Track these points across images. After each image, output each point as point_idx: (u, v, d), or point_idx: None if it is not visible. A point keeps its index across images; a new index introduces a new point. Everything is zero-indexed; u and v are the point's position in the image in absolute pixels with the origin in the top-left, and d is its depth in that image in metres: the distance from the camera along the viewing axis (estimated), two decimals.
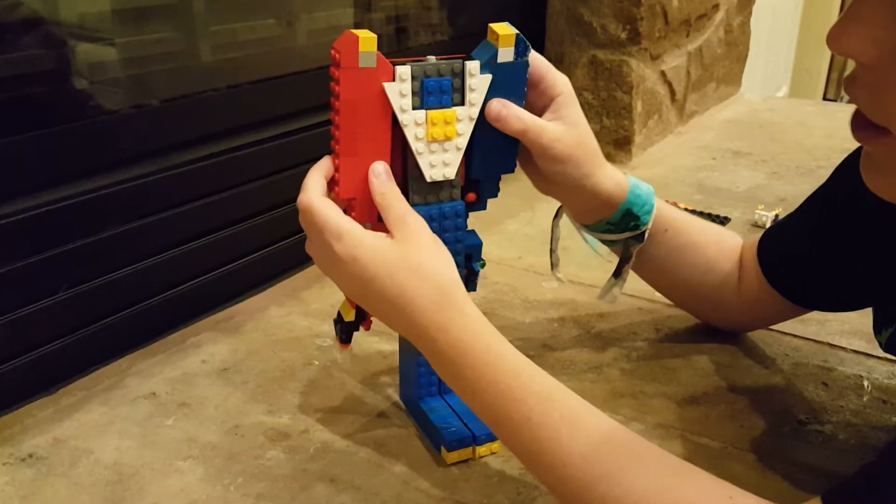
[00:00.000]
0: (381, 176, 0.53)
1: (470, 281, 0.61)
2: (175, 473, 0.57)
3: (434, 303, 0.50)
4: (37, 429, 0.62)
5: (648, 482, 0.43)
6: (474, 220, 0.60)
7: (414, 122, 0.54)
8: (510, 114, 0.56)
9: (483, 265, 0.61)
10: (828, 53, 3.01)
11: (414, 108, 0.53)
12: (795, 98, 2.63)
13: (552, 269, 0.71)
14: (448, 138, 0.55)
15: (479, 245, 0.60)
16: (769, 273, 0.67)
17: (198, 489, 0.55)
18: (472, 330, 0.50)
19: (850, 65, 0.42)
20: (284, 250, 0.86)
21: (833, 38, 0.38)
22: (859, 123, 0.40)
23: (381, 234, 0.52)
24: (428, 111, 0.54)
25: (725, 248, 0.70)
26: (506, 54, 0.55)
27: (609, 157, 1.25)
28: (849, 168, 0.62)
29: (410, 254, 0.50)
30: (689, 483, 0.44)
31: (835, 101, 2.99)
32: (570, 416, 0.47)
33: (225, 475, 0.57)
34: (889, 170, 0.41)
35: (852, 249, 0.61)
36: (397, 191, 0.53)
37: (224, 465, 0.58)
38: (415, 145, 0.54)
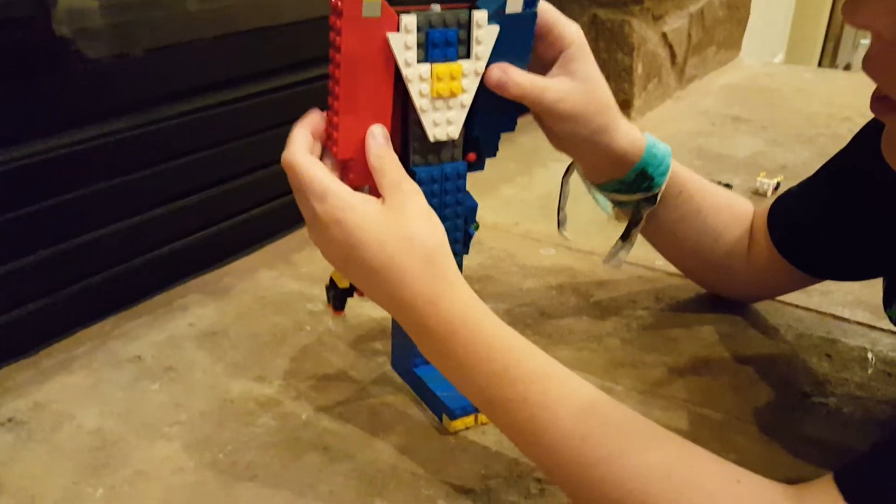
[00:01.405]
0: (378, 138, 0.50)
1: (464, 244, 0.59)
2: (161, 440, 0.55)
3: (423, 275, 0.46)
4: (16, 392, 0.59)
5: (651, 464, 0.41)
6: (469, 184, 0.57)
7: (419, 77, 0.51)
8: (510, 80, 0.53)
9: (477, 228, 0.59)
10: (824, 21, 2.97)
11: (419, 62, 0.50)
12: (792, 64, 2.60)
13: (559, 227, 0.69)
14: (453, 94, 0.52)
15: (475, 207, 0.58)
16: (779, 241, 0.65)
17: (185, 457, 0.53)
18: (462, 304, 0.47)
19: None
20: (275, 211, 0.83)
21: (849, 10, 0.36)
22: (878, 99, 0.39)
23: (371, 198, 0.48)
24: (433, 65, 0.51)
25: (737, 213, 0.68)
26: (514, 4, 0.52)
27: None
28: (865, 138, 0.60)
29: (401, 221, 0.47)
30: (693, 465, 0.42)
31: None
32: (568, 396, 0.44)
33: (213, 443, 0.55)
34: None
35: (866, 220, 0.59)
36: (394, 155, 0.50)
37: (212, 432, 0.56)
38: (419, 102, 0.51)
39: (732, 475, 0.41)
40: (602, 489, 0.42)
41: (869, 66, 0.38)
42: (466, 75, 0.52)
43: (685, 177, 0.66)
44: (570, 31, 0.56)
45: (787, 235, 0.65)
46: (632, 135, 0.61)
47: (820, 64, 3.06)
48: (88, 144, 0.66)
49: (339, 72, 0.49)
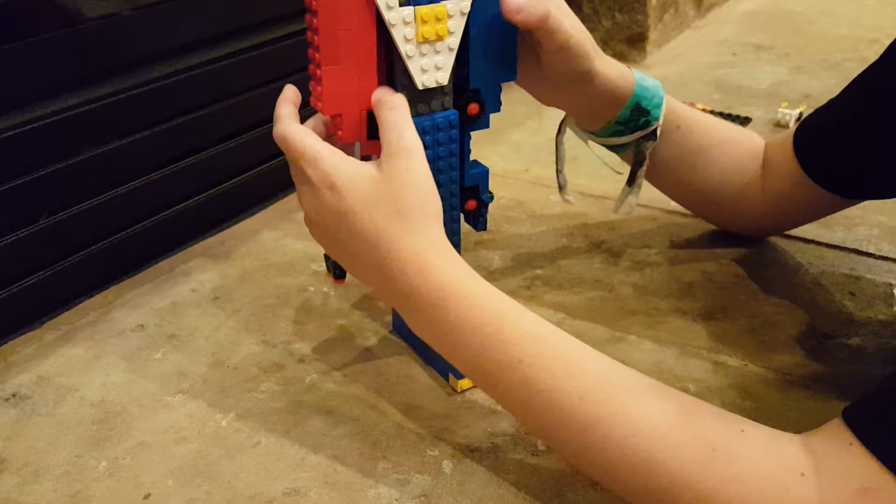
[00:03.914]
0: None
1: (480, 215, 0.56)
2: (164, 409, 0.54)
3: (414, 242, 0.45)
4: (20, 366, 0.59)
5: (653, 420, 0.40)
6: (476, 133, 0.55)
7: (402, 21, 0.48)
8: (528, 2, 0.50)
9: (491, 198, 0.56)
10: None
11: (401, 5, 0.47)
12: None
13: (560, 191, 0.66)
14: (440, 38, 0.49)
15: (485, 172, 0.55)
16: (808, 163, 0.61)
17: (188, 425, 0.53)
18: (453, 271, 0.45)
19: None
20: (276, 169, 0.81)
21: None
22: None
23: (364, 164, 0.46)
24: (416, 7, 0.48)
25: (744, 146, 0.66)
26: None
27: (622, 56, 1.18)
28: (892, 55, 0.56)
29: (394, 187, 0.45)
30: (696, 419, 0.40)
31: None
32: (565, 356, 0.43)
33: (216, 410, 0.54)
34: None
35: None
36: (406, 109, 0.48)
37: (215, 398, 0.55)
38: (404, 48, 0.48)
39: (736, 425, 0.40)
40: (602, 449, 0.40)
41: None
42: (452, 16, 0.49)
43: (681, 109, 0.64)
44: None
45: (817, 155, 0.61)
46: (619, 69, 0.59)
47: None
48: (82, 109, 0.64)
49: (316, 20, 0.46)
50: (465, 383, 0.55)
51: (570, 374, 0.42)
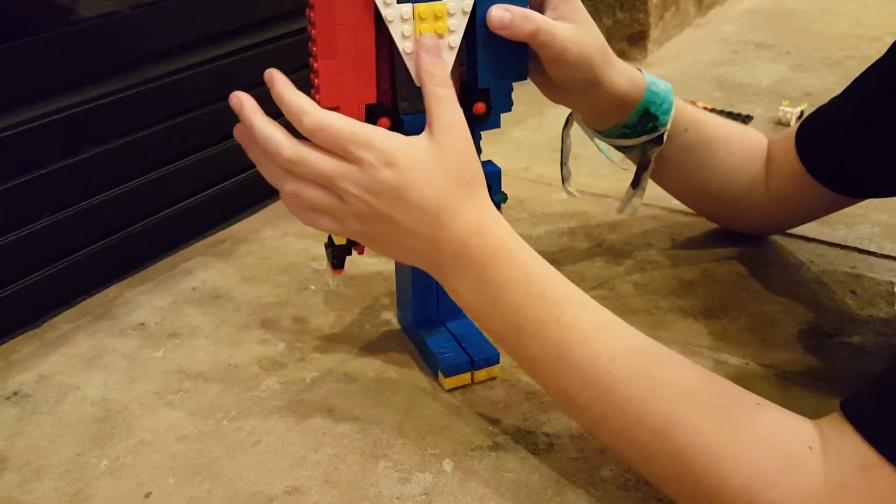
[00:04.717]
0: (432, 50, 0.48)
1: None
2: (165, 408, 0.54)
3: (472, 207, 0.47)
4: (21, 365, 0.59)
5: (676, 384, 0.42)
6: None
7: (399, 18, 0.48)
8: (516, 16, 0.50)
9: (504, 199, 0.56)
10: None
11: (399, 1, 0.47)
12: None
13: (563, 183, 0.66)
14: (439, 35, 0.49)
15: (498, 173, 0.55)
16: (811, 161, 0.61)
17: (189, 424, 0.53)
18: (506, 233, 0.47)
19: None
20: None
21: None
22: None
23: (418, 138, 0.47)
24: (415, 5, 0.48)
25: (751, 144, 0.66)
26: None
27: (623, 55, 1.18)
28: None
29: (457, 160, 0.47)
30: (715, 388, 0.43)
31: None
32: (599, 321, 0.45)
33: (217, 408, 0.54)
34: None
35: None
36: (447, 76, 0.47)
37: (216, 397, 0.55)
38: (401, 45, 0.48)
39: (752, 399, 0.42)
40: (624, 410, 0.42)
41: None
42: (452, 14, 0.49)
43: (690, 113, 0.63)
44: None
45: (820, 154, 0.61)
46: (630, 75, 0.58)
47: None
48: (82, 108, 0.64)
49: (314, 14, 0.47)
50: (450, 382, 0.55)
51: (603, 338, 0.44)
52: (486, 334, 0.49)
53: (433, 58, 0.47)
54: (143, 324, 0.63)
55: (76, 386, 0.56)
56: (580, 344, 0.44)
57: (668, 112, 0.60)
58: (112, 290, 0.68)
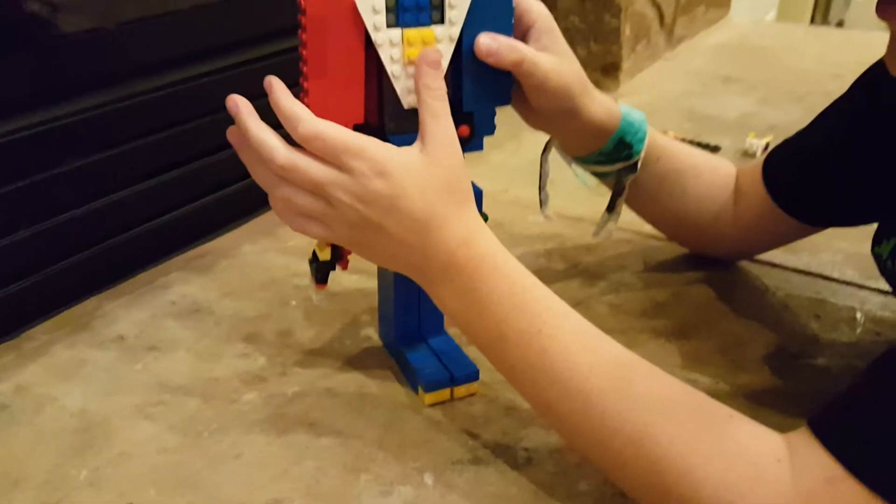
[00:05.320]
0: (433, 64, 0.48)
1: None
2: (145, 420, 0.54)
3: (461, 217, 0.48)
4: None
5: (652, 396, 0.44)
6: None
7: (389, 42, 0.49)
8: (502, 45, 0.52)
9: (486, 219, 0.57)
10: None
11: (389, 27, 0.49)
12: (783, 22, 2.57)
13: (541, 206, 0.68)
14: None
15: (480, 194, 0.56)
16: (775, 191, 0.64)
17: (169, 437, 0.53)
18: (492, 245, 0.49)
19: None
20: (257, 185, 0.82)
21: None
22: (882, 3, 0.43)
23: (408, 149, 0.48)
24: (404, 30, 0.49)
25: (719, 174, 0.68)
26: None
27: (596, 84, 1.21)
28: (864, 83, 0.60)
29: (447, 172, 0.48)
30: (691, 401, 0.45)
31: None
32: (581, 332, 0.47)
33: (198, 422, 0.54)
34: None
35: (867, 161, 0.58)
36: (444, 91, 0.49)
37: (197, 410, 0.55)
38: (390, 68, 0.50)
39: (725, 412, 0.44)
40: (602, 419, 0.44)
41: None
42: (440, 41, 0.51)
43: (662, 143, 0.66)
44: (534, 6, 0.55)
45: (784, 184, 0.64)
46: (606, 105, 0.60)
47: (812, 21, 3.02)
48: (63, 121, 0.64)
49: (305, 35, 0.48)
50: (430, 397, 0.56)
51: (583, 350, 0.46)
52: (471, 342, 0.50)
53: (433, 70, 0.48)
54: (122, 336, 0.63)
55: (55, 397, 0.56)
56: (561, 354, 0.45)
57: (642, 141, 0.63)
58: (91, 303, 0.68)
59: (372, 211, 0.47)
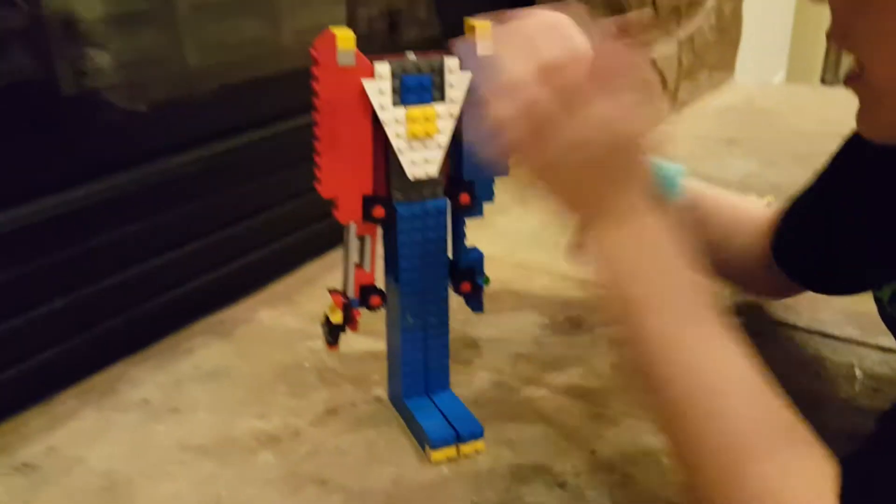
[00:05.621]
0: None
1: (475, 298, 0.61)
2: (166, 479, 0.57)
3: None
4: (31, 437, 0.62)
5: (751, 420, 0.46)
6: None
7: (394, 120, 0.54)
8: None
9: (487, 282, 0.61)
10: (823, 37, 2.99)
11: (394, 106, 0.54)
12: (793, 82, 2.62)
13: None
14: (429, 135, 0.55)
15: (481, 258, 0.60)
16: (775, 250, 0.67)
17: (189, 494, 0.55)
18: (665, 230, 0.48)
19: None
20: (276, 253, 0.86)
21: None
22: (850, 78, 0.47)
23: None
24: (407, 108, 0.54)
25: (752, 215, 0.71)
26: (485, 48, 0.55)
27: None
28: (847, 149, 0.64)
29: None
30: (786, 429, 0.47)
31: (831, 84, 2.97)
32: (715, 347, 0.48)
33: (216, 479, 0.57)
34: (867, 107, 0.48)
35: (861, 219, 0.60)
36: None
37: (215, 469, 0.58)
38: (395, 143, 0.54)
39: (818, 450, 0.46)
40: (701, 436, 0.45)
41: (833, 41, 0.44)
42: (441, 117, 0.55)
43: (699, 190, 0.70)
44: None
45: (782, 245, 0.67)
46: None
47: (823, 78, 3.07)
48: (94, 199, 0.69)
49: (318, 116, 0.53)
50: (437, 455, 0.58)
51: (710, 366, 0.47)
52: (609, 293, 0.49)
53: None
54: (146, 399, 0.67)
55: (82, 458, 0.59)
56: (686, 363, 0.46)
57: (674, 192, 0.65)
58: (117, 368, 0.71)
59: (606, 139, 0.45)
